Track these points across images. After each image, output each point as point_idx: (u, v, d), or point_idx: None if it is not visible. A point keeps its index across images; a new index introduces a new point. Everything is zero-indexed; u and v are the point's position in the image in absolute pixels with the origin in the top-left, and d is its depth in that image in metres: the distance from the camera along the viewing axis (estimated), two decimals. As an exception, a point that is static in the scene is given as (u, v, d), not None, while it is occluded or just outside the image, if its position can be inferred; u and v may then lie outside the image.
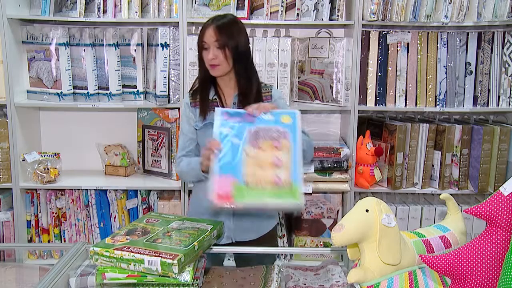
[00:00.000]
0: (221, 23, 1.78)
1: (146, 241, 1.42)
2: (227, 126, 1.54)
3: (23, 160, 2.60)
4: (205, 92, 1.88)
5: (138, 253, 1.33)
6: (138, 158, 2.90)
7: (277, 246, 2.43)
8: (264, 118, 1.54)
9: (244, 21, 2.53)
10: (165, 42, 2.54)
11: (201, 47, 1.81)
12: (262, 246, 1.84)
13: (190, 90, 1.96)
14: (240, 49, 1.79)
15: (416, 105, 2.63)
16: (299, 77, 2.75)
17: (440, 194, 1.42)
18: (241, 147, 1.49)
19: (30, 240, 2.73)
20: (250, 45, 2.48)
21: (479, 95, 2.63)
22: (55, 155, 2.69)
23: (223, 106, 1.86)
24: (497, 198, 1.07)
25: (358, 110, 2.61)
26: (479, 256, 1.08)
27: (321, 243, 2.73)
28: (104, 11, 2.55)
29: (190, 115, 1.91)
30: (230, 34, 1.77)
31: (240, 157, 1.46)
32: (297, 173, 1.35)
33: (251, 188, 1.38)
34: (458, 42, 2.58)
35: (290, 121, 1.51)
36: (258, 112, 1.58)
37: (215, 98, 1.88)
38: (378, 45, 2.59)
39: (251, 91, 1.83)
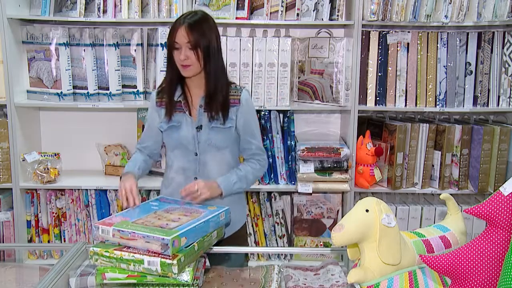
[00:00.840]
0: (192, 22, 1.74)
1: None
2: (156, 203, 1.65)
3: (23, 160, 2.60)
4: (172, 93, 1.86)
5: (138, 253, 1.33)
6: (138, 158, 2.90)
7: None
8: (193, 204, 1.65)
9: (244, 21, 2.56)
10: (165, 42, 2.54)
11: (172, 46, 1.78)
12: (232, 246, 1.83)
13: (157, 89, 1.94)
14: (211, 48, 1.76)
15: (416, 105, 2.63)
16: (299, 77, 2.75)
17: (440, 194, 1.42)
18: (155, 209, 1.58)
19: (30, 240, 2.73)
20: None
21: (479, 95, 2.63)
22: (55, 155, 2.69)
23: (189, 108, 1.85)
24: (497, 198, 1.07)
25: (358, 110, 2.61)
26: (479, 256, 1.08)
27: (321, 243, 2.73)
28: (104, 11, 2.55)
29: (154, 114, 1.91)
30: (202, 34, 1.74)
31: (147, 213, 1.54)
32: (185, 230, 1.37)
33: (135, 224, 1.42)
34: (458, 42, 2.58)
35: (213, 209, 1.59)
36: (190, 199, 1.66)
37: (179, 100, 1.85)
38: (378, 45, 2.59)
39: (217, 93, 1.80)
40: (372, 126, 2.78)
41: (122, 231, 1.38)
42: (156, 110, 1.90)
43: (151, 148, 1.96)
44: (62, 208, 2.73)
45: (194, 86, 1.85)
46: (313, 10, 2.55)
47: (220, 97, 1.80)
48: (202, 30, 1.74)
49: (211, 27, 1.79)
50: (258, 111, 2.62)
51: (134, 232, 1.36)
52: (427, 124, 2.63)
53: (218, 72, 1.80)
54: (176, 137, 1.85)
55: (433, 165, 2.67)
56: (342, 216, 1.72)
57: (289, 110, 2.63)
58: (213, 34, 1.78)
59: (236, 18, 2.56)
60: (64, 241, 2.75)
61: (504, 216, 1.06)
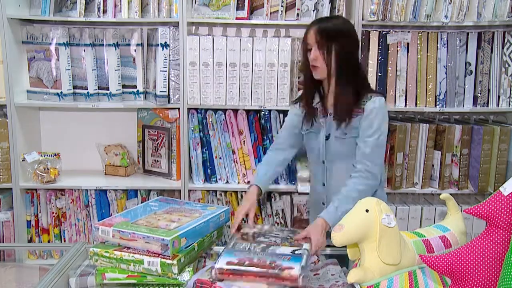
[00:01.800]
0: (323, 24, 1.77)
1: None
2: (156, 203, 1.66)
3: (23, 160, 2.60)
4: (308, 97, 1.88)
5: (138, 253, 1.33)
6: (138, 158, 2.90)
7: None
8: (192, 204, 1.67)
9: (244, 21, 2.55)
10: (165, 42, 2.54)
11: (305, 47, 1.81)
12: None
13: (295, 100, 1.98)
14: (340, 54, 1.74)
15: (416, 105, 2.63)
16: (299, 77, 2.75)
17: (440, 194, 1.42)
18: (155, 210, 1.59)
19: (30, 240, 2.73)
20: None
21: (479, 95, 2.63)
22: (55, 155, 2.69)
23: (325, 115, 1.85)
24: (497, 198, 1.07)
25: (358, 110, 2.61)
26: (479, 256, 1.08)
27: (321, 243, 2.73)
28: (104, 11, 2.55)
29: (295, 123, 1.94)
30: (330, 37, 1.74)
31: (147, 213, 1.55)
32: (185, 230, 1.38)
33: (134, 225, 1.43)
34: (458, 42, 2.58)
35: (213, 209, 1.59)
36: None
37: (316, 107, 1.87)
38: (378, 45, 2.59)
39: (342, 102, 1.77)
40: (372, 126, 2.77)
41: (122, 231, 1.38)
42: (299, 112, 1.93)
43: (289, 149, 1.97)
44: (62, 208, 2.73)
45: (329, 93, 1.84)
46: (313, 10, 2.55)
47: (344, 106, 1.76)
48: (332, 33, 1.74)
49: (343, 33, 1.77)
50: (258, 111, 2.63)
51: (134, 233, 1.36)
52: (427, 124, 2.63)
53: (347, 79, 1.76)
54: (310, 144, 1.91)
55: (433, 165, 2.67)
56: (342, 216, 1.72)
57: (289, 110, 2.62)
58: (344, 40, 1.75)
59: (236, 18, 2.56)
60: (64, 241, 2.75)
61: (504, 216, 1.06)
